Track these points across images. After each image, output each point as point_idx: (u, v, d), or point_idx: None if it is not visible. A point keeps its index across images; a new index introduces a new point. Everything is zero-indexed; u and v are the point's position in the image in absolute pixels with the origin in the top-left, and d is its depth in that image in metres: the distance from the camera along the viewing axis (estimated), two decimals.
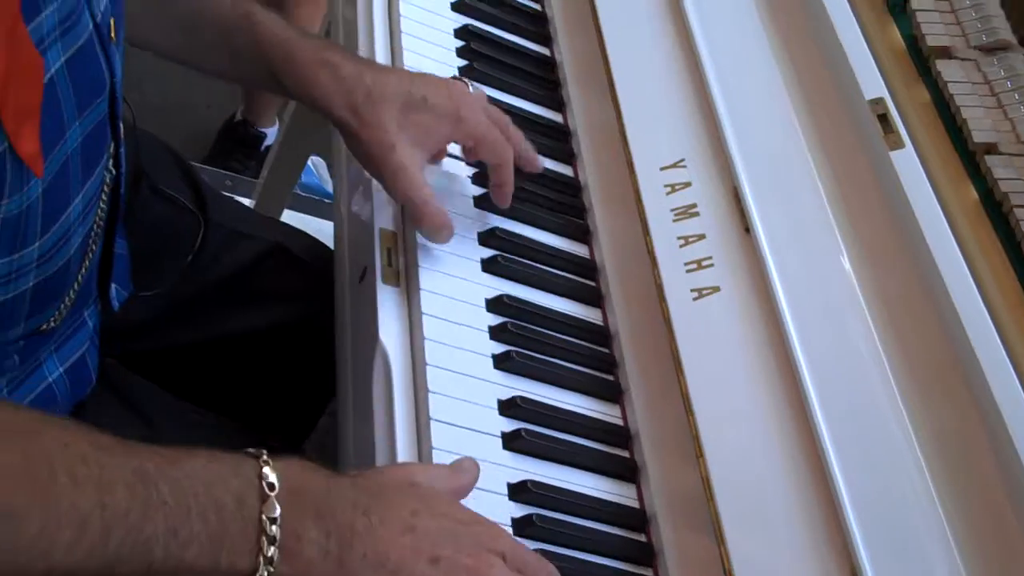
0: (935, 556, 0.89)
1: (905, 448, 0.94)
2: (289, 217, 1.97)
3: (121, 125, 0.95)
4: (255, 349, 1.27)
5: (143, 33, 1.04)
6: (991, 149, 1.05)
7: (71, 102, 0.83)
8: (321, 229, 2.13)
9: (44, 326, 0.93)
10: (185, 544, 0.73)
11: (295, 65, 1.05)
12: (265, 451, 0.78)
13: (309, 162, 2.42)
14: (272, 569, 0.75)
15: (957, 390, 0.94)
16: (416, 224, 1.06)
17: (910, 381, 0.97)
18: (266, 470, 0.76)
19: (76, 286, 0.94)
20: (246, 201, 2.08)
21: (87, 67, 0.85)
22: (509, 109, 1.24)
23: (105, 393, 1.06)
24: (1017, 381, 0.92)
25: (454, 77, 1.17)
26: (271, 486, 0.76)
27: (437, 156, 1.14)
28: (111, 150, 0.94)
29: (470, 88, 1.14)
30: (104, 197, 0.95)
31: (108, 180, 0.95)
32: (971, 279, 0.97)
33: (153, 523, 0.71)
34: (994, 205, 1.02)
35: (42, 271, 0.87)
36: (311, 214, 2.28)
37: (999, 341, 0.94)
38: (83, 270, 0.95)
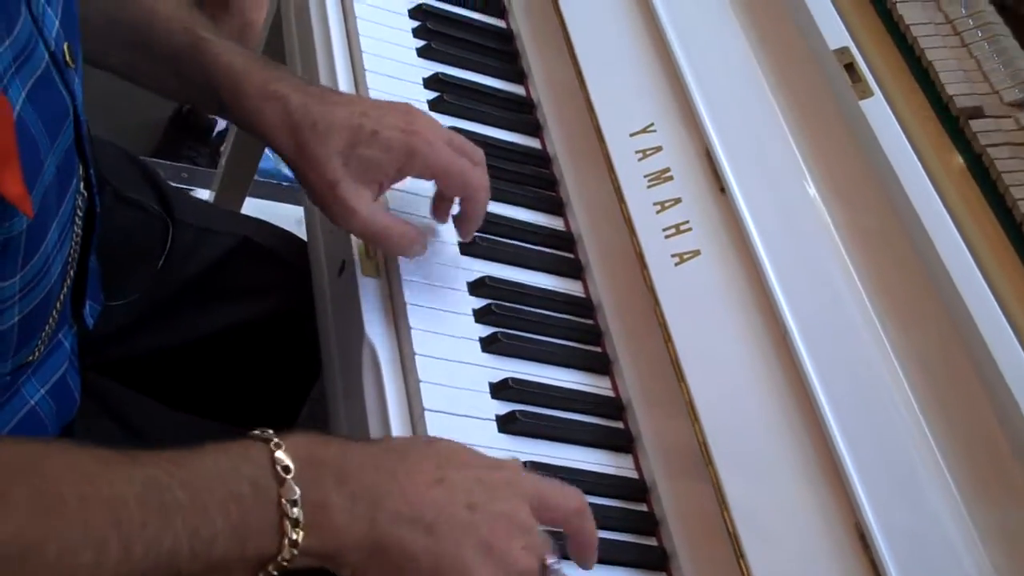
0: (924, 476, 0.90)
1: (892, 384, 0.94)
2: (250, 204, 1.95)
3: (88, 147, 0.93)
4: (231, 346, 1.26)
5: (91, 54, 1.00)
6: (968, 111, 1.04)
7: (42, 134, 0.82)
8: (282, 214, 2.13)
9: (30, 358, 0.92)
10: (209, 542, 0.72)
11: (242, 97, 1.01)
12: (271, 432, 0.77)
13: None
14: (296, 551, 0.74)
15: (939, 321, 0.95)
16: (384, 251, 1.03)
17: (893, 319, 0.98)
18: (279, 454, 0.75)
19: (55, 313, 0.93)
20: (205, 193, 2.06)
21: (48, 97, 0.83)
22: (470, 86, 1.24)
23: (91, 409, 1.05)
24: (994, 301, 0.92)
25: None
26: (286, 468, 0.75)
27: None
28: (80, 173, 0.92)
29: None
30: (78, 220, 0.94)
31: (80, 203, 0.93)
32: (948, 217, 0.97)
33: (173, 529, 0.70)
34: (974, 160, 1.02)
35: (25, 304, 0.86)
36: (272, 199, 2.26)
37: (975, 266, 0.94)
38: (61, 296, 0.94)
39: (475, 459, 0.84)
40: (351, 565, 0.77)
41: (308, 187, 1.01)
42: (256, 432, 0.77)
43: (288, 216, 1.98)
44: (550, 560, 0.81)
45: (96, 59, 1.03)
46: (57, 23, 0.84)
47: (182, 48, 1.03)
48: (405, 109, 1.03)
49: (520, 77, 1.29)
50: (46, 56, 0.82)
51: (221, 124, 2.63)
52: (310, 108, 0.99)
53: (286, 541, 0.74)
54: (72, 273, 0.95)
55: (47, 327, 0.92)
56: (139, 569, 0.69)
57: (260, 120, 1.01)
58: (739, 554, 0.89)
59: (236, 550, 0.73)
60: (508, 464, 0.85)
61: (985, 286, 0.94)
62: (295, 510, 0.74)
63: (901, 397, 0.94)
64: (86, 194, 0.95)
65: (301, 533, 0.74)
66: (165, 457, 0.73)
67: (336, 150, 0.98)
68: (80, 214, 0.94)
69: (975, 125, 1.02)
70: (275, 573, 0.75)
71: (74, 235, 0.93)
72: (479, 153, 1.05)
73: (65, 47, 0.86)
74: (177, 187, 1.35)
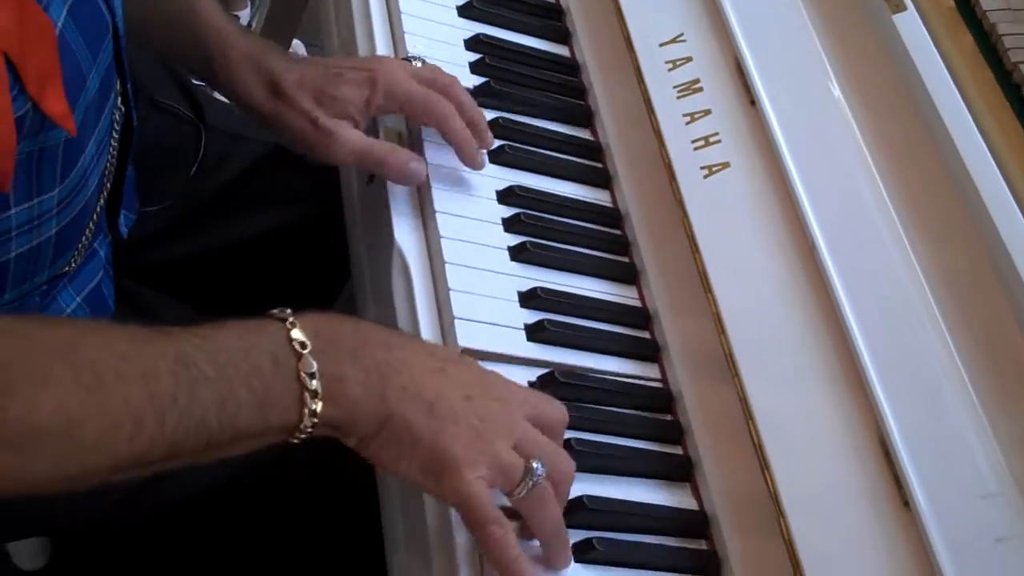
0: (947, 387, 0.91)
1: (917, 295, 0.95)
2: None
3: (126, 62, 0.94)
4: (261, 252, 1.28)
5: None
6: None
7: (84, 52, 0.83)
8: None
9: (66, 268, 0.93)
10: (234, 413, 0.75)
11: (226, 61, 1.06)
12: (288, 312, 0.80)
13: None
14: (317, 420, 0.78)
15: (965, 234, 0.96)
16: (379, 174, 1.06)
17: (919, 231, 0.98)
18: (294, 332, 0.79)
19: (92, 225, 0.95)
20: None
21: (89, 13, 0.84)
22: None
23: (124, 314, 1.06)
24: (1020, 215, 0.93)
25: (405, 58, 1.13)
26: (303, 344, 0.78)
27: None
28: (117, 88, 0.94)
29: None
30: (115, 134, 0.95)
31: (118, 117, 0.94)
32: (978, 133, 0.97)
33: (202, 401, 0.74)
34: (1005, 76, 1.02)
35: (63, 217, 0.88)
36: None
37: (1003, 182, 0.95)
38: (98, 208, 0.95)
39: (473, 364, 0.88)
40: (358, 435, 0.81)
41: (290, 131, 1.06)
42: (274, 311, 0.81)
43: None
44: (535, 464, 0.83)
45: None
46: None
47: (176, 14, 1.08)
48: (373, 56, 1.10)
49: None
50: None
51: (244, 18, 2.61)
52: (286, 67, 1.06)
53: (306, 411, 0.78)
54: (108, 185, 0.97)
55: (83, 239, 0.93)
56: (171, 440, 0.73)
57: (239, 82, 1.07)
58: (763, 464, 0.91)
59: (260, 420, 0.77)
60: (508, 379, 0.89)
61: (1013, 202, 0.94)
62: (314, 382, 0.78)
63: (925, 308, 0.94)
64: (123, 108, 0.96)
65: (320, 404, 0.78)
66: (192, 332, 0.77)
67: (308, 95, 1.04)
68: (117, 128, 0.95)
69: (1008, 41, 1.01)
70: (299, 439, 0.79)
71: (111, 148, 0.95)
72: (448, 78, 1.08)
73: None
74: (199, 85, 1.35)
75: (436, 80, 1.07)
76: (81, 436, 0.70)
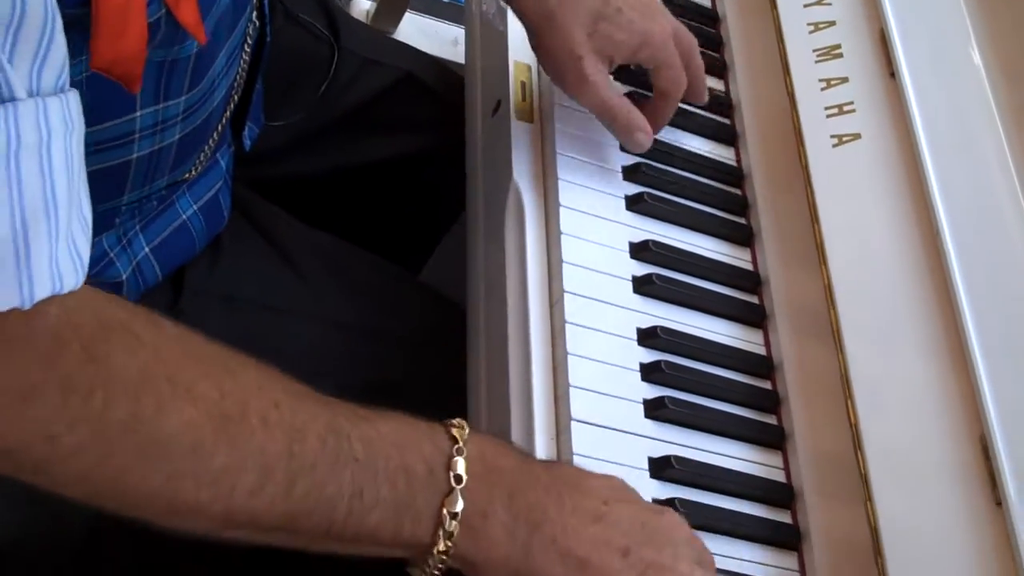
0: None
1: None
2: (409, 21, 1.94)
3: None
4: (380, 177, 1.27)
5: None
6: None
7: None
8: (440, 32, 2.11)
9: (187, 175, 0.94)
10: (369, 507, 0.71)
11: None
12: (464, 432, 0.76)
13: None
14: (451, 544, 0.74)
15: None
16: (608, 127, 1.03)
17: None
18: (458, 460, 0.74)
19: (216, 135, 0.95)
20: (366, 3, 2.06)
21: None
22: None
23: (237, 221, 1.07)
24: None
25: None
26: (458, 478, 0.74)
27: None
28: (254, 2, 0.94)
29: None
30: (247, 48, 0.95)
31: (251, 31, 0.94)
32: None
33: (339, 480, 0.70)
34: None
35: (187, 124, 0.88)
36: (432, 15, 2.23)
37: None
38: (224, 119, 0.95)
39: (637, 503, 0.82)
40: None
41: (549, 54, 1.01)
42: (452, 422, 0.77)
43: (445, 35, 1.96)
44: None
45: None
46: None
47: None
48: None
49: None
50: None
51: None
52: None
53: (441, 532, 0.73)
54: (236, 97, 0.97)
55: (206, 148, 0.94)
56: (293, 509, 0.70)
57: None
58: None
59: (392, 525, 0.72)
60: (675, 515, 0.83)
61: None
62: (459, 504, 0.74)
63: None
64: (258, 23, 0.96)
65: (458, 526, 0.74)
66: (352, 407, 0.73)
67: (582, 23, 0.99)
68: (250, 42, 0.95)
69: None
70: (423, 570, 0.75)
71: (242, 61, 0.95)
72: (692, 45, 1.05)
73: None
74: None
75: (687, 47, 1.04)
76: (204, 465, 0.66)
